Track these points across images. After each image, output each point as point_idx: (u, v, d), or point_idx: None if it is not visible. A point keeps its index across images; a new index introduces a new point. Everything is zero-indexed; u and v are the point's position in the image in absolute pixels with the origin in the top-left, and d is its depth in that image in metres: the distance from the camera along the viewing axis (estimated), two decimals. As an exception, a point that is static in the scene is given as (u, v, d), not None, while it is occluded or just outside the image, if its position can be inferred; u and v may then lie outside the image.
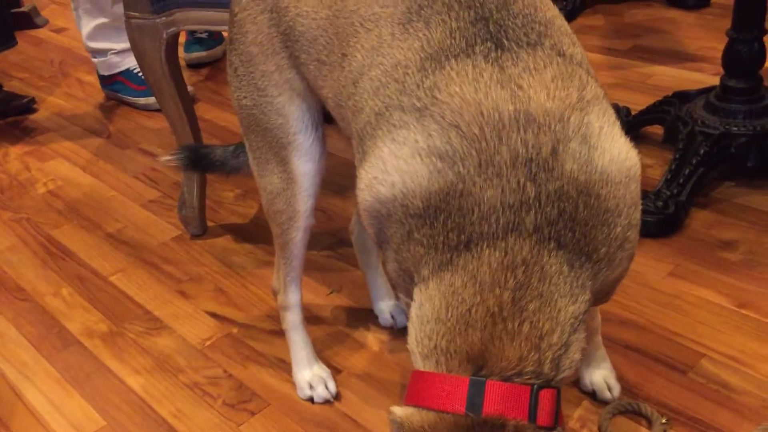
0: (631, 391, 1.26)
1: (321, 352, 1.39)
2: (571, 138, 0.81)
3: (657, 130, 1.91)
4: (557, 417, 0.82)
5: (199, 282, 1.68)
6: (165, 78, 1.62)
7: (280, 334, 1.47)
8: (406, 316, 1.47)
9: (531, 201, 0.79)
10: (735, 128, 1.67)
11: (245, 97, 1.13)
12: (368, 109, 0.88)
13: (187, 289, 1.66)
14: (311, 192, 1.18)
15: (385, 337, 1.46)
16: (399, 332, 1.46)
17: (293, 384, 1.35)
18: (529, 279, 0.80)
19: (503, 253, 0.80)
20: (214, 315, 1.57)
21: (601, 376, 1.25)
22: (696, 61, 2.31)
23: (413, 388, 0.84)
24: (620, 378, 1.27)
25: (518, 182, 0.79)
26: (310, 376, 1.33)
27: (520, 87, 0.81)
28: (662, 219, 1.60)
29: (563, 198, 0.80)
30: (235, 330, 1.52)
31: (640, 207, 0.88)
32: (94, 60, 2.55)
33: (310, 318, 1.44)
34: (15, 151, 2.36)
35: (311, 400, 1.32)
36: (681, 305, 1.44)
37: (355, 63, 0.92)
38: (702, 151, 1.65)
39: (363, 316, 1.51)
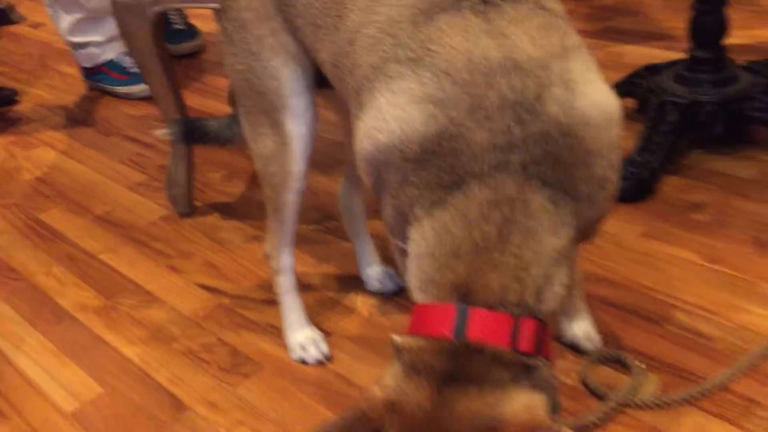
0: (610, 343, 1.32)
1: (312, 318, 1.43)
2: (554, 83, 0.86)
3: (630, 104, 1.98)
4: (540, 347, 0.87)
5: (189, 257, 1.71)
6: (152, 58, 1.65)
7: (271, 302, 1.52)
8: (393, 281, 1.53)
9: (517, 142, 0.85)
10: (703, 97, 1.74)
11: (239, 63, 1.17)
12: (365, 65, 0.93)
13: (178, 265, 1.69)
14: (304, 155, 1.23)
15: (374, 301, 1.51)
16: (387, 297, 1.51)
17: (286, 348, 1.40)
18: (514, 214, 0.85)
19: (491, 191, 0.85)
20: (205, 287, 1.61)
21: (581, 328, 1.31)
22: (665, 39, 2.39)
23: (411, 320, 0.89)
24: (599, 331, 1.33)
25: (506, 124, 0.85)
26: (303, 338, 1.37)
27: (506, 36, 0.87)
28: (635, 184, 1.67)
29: (547, 139, 0.86)
30: (226, 300, 1.56)
31: (619, 150, 0.94)
32: (75, 53, 2.57)
33: (300, 286, 1.47)
34: (-1, 140, 2.37)
35: (304, 361, 1.37)
36: (654, 262, 1.51)
37: (350, 23, 0.97)
38: (672, 120, 1.73)
39: (351, 283, 1.56)
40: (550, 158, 0.86)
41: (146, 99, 2.52)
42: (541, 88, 0.85)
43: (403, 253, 0.99)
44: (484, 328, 0.83)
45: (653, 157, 1.71)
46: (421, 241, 0.89)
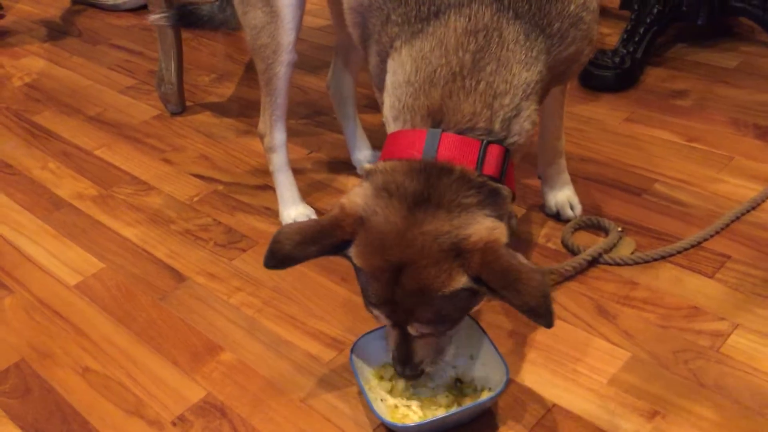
0: (592, 213, 1.38)
1: (305, 198, 1.47)
2: None
3: (614, 3, 2.00)
4: (504, 173, 0.91)
5: (182, 151, 1.74)
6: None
7: (264, 188, 1.56)
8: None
9: None
10: (686, -12, 1.77)
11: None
12: None
13: (171, 157, 1.72)
14: (294, 25, 1.25)
15: (364, 184, 1.55)
16: (377, 179, 1.55)
17: (280, 225, 1.44)
18: (489, 43, 0.89)
19: (467, 19, 0.89)
20: (199, 176, 1.64)
21: (564, 196, 1.36)
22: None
23: (384, 150, 0.93)
24: (582, 202, 1.39)
25: None
26: (296, 213, 1.41)
27: None
28: (619, 73, 1.71)
29: None
30: (220, 187, 1.60)
31: None
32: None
33: (293, 172, 1.52)
34: (-14, 51, 2.36)
35: (298, 236, 1.41)
36: (636, 143, 1.55)
37: None
38: (655, 11, 1.75)
39: (342, 168, 1.60)
40: None
41: (132, 10, 2.52)
42: None
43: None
44: (453, 150, 0.87)
45: (636, 48, 1.75)
46: (399, 69, 0.93)
